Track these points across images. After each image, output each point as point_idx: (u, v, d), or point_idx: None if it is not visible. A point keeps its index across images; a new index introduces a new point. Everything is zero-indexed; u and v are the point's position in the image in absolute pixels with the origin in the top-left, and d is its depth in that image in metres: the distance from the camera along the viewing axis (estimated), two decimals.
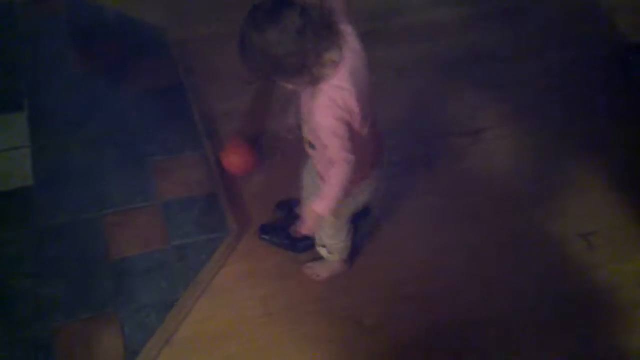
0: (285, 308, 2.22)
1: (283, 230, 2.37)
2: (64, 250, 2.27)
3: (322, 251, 2.25)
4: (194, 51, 3.03)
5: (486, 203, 2.58)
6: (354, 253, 2.33)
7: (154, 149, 2.59)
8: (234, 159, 2.48)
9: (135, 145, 2.60)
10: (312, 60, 1.60)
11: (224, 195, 2.47)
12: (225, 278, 2.29)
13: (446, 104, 2.96)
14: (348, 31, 1.70)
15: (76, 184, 2.45)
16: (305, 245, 2.34)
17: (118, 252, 2.28)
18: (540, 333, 2.21)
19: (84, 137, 2.60)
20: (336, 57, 1.64)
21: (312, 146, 1.86)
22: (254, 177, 2.55)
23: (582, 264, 2.41)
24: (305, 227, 1.89)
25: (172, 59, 2.97)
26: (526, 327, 2.22)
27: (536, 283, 2.35)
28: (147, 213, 2.40)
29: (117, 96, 2.78)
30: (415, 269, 2.36)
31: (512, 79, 3.10)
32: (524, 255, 2.43)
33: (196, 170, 2.54)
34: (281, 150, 2.63)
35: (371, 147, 1.88)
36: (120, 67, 2.89)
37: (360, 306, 2.25)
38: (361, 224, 2.35)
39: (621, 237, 2.50)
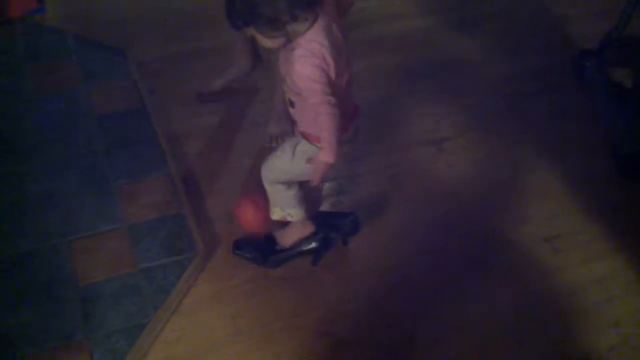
0: (256, 326, 2.22)
1: (256, 245, 2.38)
2: (29, 279, 2.23)
3: (277, 213, 2.27)
4: (155, 72, 3.03)
5: (451, 211, 2.61)
6: (326, 264, 2.34)
7: (118, 172, 2.58)
8: (251, 217, 2.41)
9: (99, 169, 2.58)
10: (285, 16, 1.74)
11: (191, 215, 2.47)
12: (195, 299, 2.28)
13: (410, 114, 3.00)
14: (330, 2, 1.85)
15: (40, 211, 2.42)
16: (277, 260, 2.35)
17: (86, 277, 2.25)
18: (512, 339, 2.25)
19: (45, 163, 2.57)
20: (310, 17, 1.79)
21: (292, 104, 1.98)
22: (220, 196, 2.55)
23: (548, 268, 2.45)
24: (319, 179, 2.03)
25: (133, 80, 2.96)
26: (497, 334, 2.26)
27: (504, 289, 2.38)
28: (113, 237, 2.38)
29: (78, 120, 2.76)
30: (383, 278, 2.38)
31: (474, 88, 3.17)
32: (490, 262, 2.46)
33: (162, 192, 2.53)
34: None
35: (343, 105, 1.93)
36: (81, 91, 2.87)
37: (333, 320, 2.26)
38: (341, 222, 2.40)
39: (583, 239, 2.56)
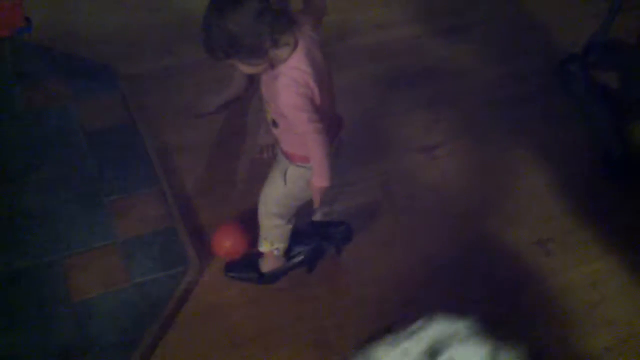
0: (252, 338, 2.22)
1: (249, 264, 2.38)
2: (23, 297, 2.22)
3: (265, 246, 2.27)
4: (145, 87, 3.02)
5: (442, 217, 2.63)
6: (319, 273, 2.35)
7: (110, 187, 2.57)
8: (226, 245, 2.41)
9: (90, 185, 2.57)
10: (268, 42, 1.74)
11: (183, 229, 2.47)
12: (190, 312, 2.27)
13: (400, 122, 3.01)
14: (304, 20, 1.86)
15: (32, 229, 2.41)
16: (273, 276, 2.36)
17: (79, 294, 2.25)
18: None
19: (37, 181, 2.56)
20: (291, 41, 1.79)
21: (276, 124, 1.98)
22: (213, 209, 2.56)
23: (541, 271, 2.47)
24: (318, 203, 2.07)
25: (123, 95, 2.96)
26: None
27: (497, 293, 2.39)
28: (107, 253, 2.37)
29: (68, 137, 2.75)
30: (376, 288, 2.39)
31: (462, 94, 3.19)
32: (483, 266, 2.48)
33: (154, 206, 2.53)
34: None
35: (327, 122, 1.94)
36: (70, 108, 2.87)
37: (330, 328, 2.26)
38: (334, 231, 2.41)
39: (575, 241, 2.57)
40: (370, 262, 2.46)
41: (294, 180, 2.05)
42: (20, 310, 2.20)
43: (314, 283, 2.38)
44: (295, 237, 2.32)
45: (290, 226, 2.24)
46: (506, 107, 3.14)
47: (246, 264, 2.38)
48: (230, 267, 2.39)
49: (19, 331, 2.14)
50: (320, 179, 1.96)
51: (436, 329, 1.67)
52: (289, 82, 1.80)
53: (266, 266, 2.35)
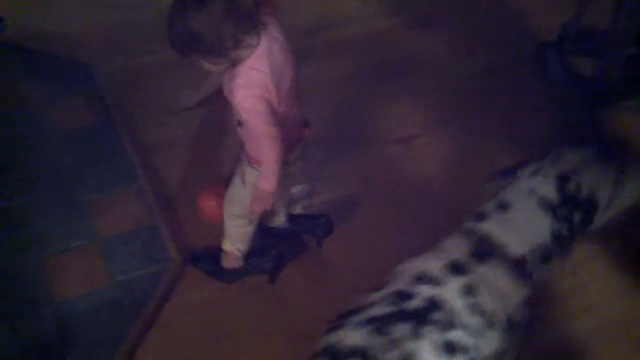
0: (235, 333, 2.22)
1: (213, 259, 2.36)
2: (3, 298, 2.21)
3: (227, 245, 2.27)
4: (120, 85, 3.01)
5: (423, 207, 2.63)
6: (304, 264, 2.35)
7: (89, 186, 2.56)
8: (213, 205, 2.41)
9: (69, 184, 2.56)
10: (230, 42, 1.75)
11: (164, 226, 2.46)
12: (174, 309, 2.27)
13: (376, 114, 3.02)
14: (271, 21, 1.84)
15: (10, 230, 2.39)
16: (233, 275, 2.35)
17: (61, 294, 2.23)
18: None
19: (15, 181, 2.54)
20: (254, 42, 1.79)
21: (240, 124, 1.97)
22: (193, 205, 2.55)
23: None
24: (259, 207, 2.02)
25: (99, 94, 2.94)
26: None
27: None
28: (87, 252, 2.36)
29: (45, 136, 2.73)
30: (362, 277, 2.39)
31: (435, 85, 3.20)
32: None
33: (134, 204, 2.52)
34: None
35: (285, 134, 1.93)
36: (46, 107, 2.84)
37: (310, 323, 2.26)
38: (314, 224, 2.42)
39: None
40: (350, 254, 2.46)
41: (252, 182, 2.03)
42: (2, 311, 2.18)
43: (295, 276, 2.39)
44: (258, 248, 2.32)
45: (250, 228, 2.22)
46: (482, 98, 3.15)
47: (211, 258, 2.37)
48: (196, 258, 2.39)
49: (2, 332, 2.12)
50: (265, 182, 1.93)
51: (562, 161, 1.67)
52: (245, 83, 1.80)
53: (227, 263, 2.34)
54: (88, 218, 2.46)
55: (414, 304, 1.52)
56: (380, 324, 1.51)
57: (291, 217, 2.44)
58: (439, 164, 2.83)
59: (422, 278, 1.58)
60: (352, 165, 2.78)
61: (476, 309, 1.52)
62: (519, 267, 1.58)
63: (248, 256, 2.32)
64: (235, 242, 2.26)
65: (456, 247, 1.63)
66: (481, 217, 1.67)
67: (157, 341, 2.18)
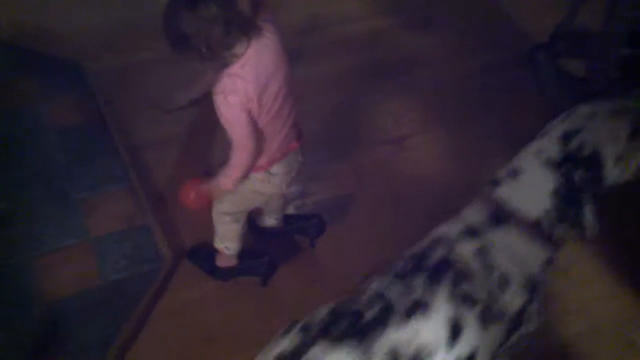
0: (227, 333, 2.22)
1: (208, 256, 2.37)
2: None
3: (217, 243, 2.28)
4: (112, 83, 3.00)
5: (420, 207, 2.63)
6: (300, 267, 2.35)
7: (81, 185, 2.55)
8: (191, 195, 2.43)
9: (60, 183, 2.55)
10: (217, 47, 1.76)
11: (156, 225, 2.45)
12: (165, 308, 2.27)
13: (369, 114, 3.02)
14: (266, 27, 1.84)
15: (2, 228, 2.38)
16: (225, 274, 2.35)
17: (54, 293, 2.23)
18: None
19: (6, 181, 2.53)
20: (242, 49, 1.79)
21: None
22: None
23: None
24: (212, 197, 2.08)
25: (90, 93, 2.93)
26: None
27: None
28: (79, 251, 2.36)
29: (37, 135, 2.72)
30: (355, 277, 2.39)
31: (431, 85, 3.20)
32: None
33: (125, 203, 2.52)
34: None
35: (274, 142, 1.96)
36: (38, 106, 2.83)
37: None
38: (307, 224, 2.42)
39: None
40: (343, 254, 2.47)
41: (240, 187, 2.03)
42: None
43: (288, 277, 2.39)
44: (251, 251, 2.34)
45: (236, 226, 2.22)
46: (475, 98, 3.15)
47: (206, 255, 2.37)
48: (192, 253, 2.40)
49: None
50: (223, 180, 1.97)
51: (571, 119, 1.66)
52: (225, 89, 1.81)
53: (220, 262, 2.35)
54: (80, 217, 2.46)
55: (431, 262, 1.59)
56: (400, 275, 1.59)
57: (284, 218, 2.43)
58: (432, 163, 2.83)
59: (439, 240, 1.64)
60: (345, 165, 2.78)
61: (490, 268, 1.56)
62: (535, 229, 1.60)
63: (242, 257, 2.32)
64: (223, 239, 2.27)
65: (474, 213, 1.68)
66: (495, 182, 1.70)
67: (149, 340, 2.17)
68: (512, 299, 1.57)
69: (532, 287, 1.61)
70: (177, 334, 2.20)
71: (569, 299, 2.38)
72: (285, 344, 1.55)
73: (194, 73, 2.90)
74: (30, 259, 2.32)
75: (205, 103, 2.93)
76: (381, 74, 3.22)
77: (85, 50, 3.12)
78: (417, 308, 1.50)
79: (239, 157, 1.89)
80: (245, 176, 1.97)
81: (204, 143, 2.85)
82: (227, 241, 2.27)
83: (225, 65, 1.81)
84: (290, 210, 2.49)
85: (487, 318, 1.54)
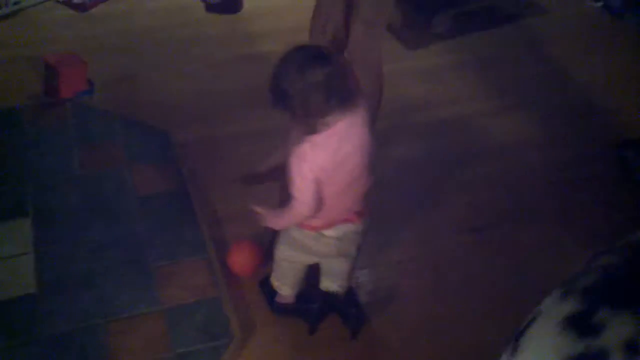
0: None
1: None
2: None
3: (273, 281, 2.36)
4: (197, 153, 3.06)
5: (471, 309, 2.54)
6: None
7: (158, 253, 2.58)
8: (238, 259, 2.53)
9: (139, 250, 2.59)
10: (313, 111, 1.79)
11: (228, 300, 2.44)
12: None
13: (446, 201, 2.97)
14: (361, 104, 1.87)
15: (79, 291, 2.42)
16: (281, 310, 2.41)
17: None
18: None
19: (88, 243, 2.59)
20: (334, 120, 1.81)
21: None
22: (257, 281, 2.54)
23: None
24: (260, 220, 2.13)
25: (175, 162, 2.99)
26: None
27: None
28: (151, 320, 2.36)
29: (121, 200, 2.79)
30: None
31: (513, 174, 3.13)
32: None
33: (200, 275, 2.52)
34: None
35: (333, 211, 1.98)
36: (124, 171, 2.91)
37: None
38: (345, 309, 2.39)
39: None
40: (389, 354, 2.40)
41: (297, 237, 2.11)
42: None
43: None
44: (307, 295, 2.38)
45: (292, 273, 2.28)
46: (559, 191, 3.06)
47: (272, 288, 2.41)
48: (263, 283, 2.46)
49: None
50: (273, 221, 2.09)
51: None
52: (302, 156, 1.84)
53: (278, 297, 2.41)
54: (154, 285, 2.47)
55: None
56: None
57: (323, 293, 2.37)
58: (504, 260, 2.72)
59: None
60: (405, 255, 2.72)
61: None
62: None
63: (299, 298, 2.39)
64: (278, 278, 2.33)
65: None
66: None
67: None
68: None
69: None
70: None
71: None
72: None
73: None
74: (102, 323, 2.33)
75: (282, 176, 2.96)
76: (463, 160, 3.18)
77: (173, 120, 3.20)
78: None
79: (294, 212, 1.95)
80: (295, 225, 2.05)
81: None
82: (279, 280, 2.33)
83: (313, 131, 1.83)
84: (334, 288, 2.38)
85: None
